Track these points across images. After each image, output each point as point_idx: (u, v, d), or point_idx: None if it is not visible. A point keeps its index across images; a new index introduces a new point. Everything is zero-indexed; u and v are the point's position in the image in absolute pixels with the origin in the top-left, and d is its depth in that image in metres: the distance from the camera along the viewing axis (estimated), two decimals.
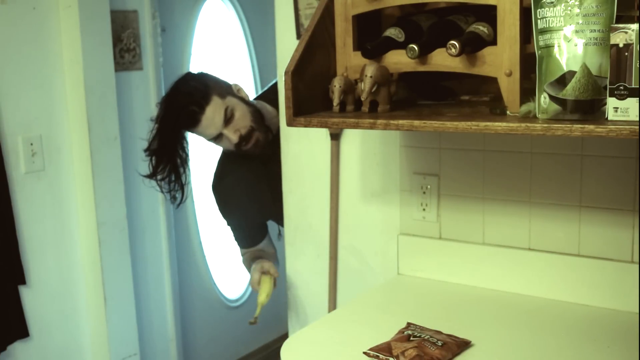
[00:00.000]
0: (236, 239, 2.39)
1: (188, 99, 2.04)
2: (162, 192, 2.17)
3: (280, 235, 2.43)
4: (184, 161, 2.13)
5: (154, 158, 2.09)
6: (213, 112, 2.04)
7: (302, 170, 2.02)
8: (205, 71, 2.20)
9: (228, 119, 2.07)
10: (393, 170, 1.86)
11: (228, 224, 2.37)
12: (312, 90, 1.43)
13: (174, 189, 2.14)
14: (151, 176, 2.11)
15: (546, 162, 1.62)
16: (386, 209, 1.88)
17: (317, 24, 1.44)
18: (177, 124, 2.06)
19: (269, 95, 2.24)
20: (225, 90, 2.11)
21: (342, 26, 1.45)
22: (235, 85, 2.18)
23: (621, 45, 1.07)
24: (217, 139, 2.11)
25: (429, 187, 1.80)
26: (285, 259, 2.11)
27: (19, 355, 2.50)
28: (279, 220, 2.30)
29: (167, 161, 2.09)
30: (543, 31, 1.15)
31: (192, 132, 2.11)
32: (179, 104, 2.05)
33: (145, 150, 2.10)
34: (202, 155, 3.13)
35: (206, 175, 2.45)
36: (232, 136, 2.07)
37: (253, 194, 2.28)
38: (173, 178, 2.12)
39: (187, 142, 2.15)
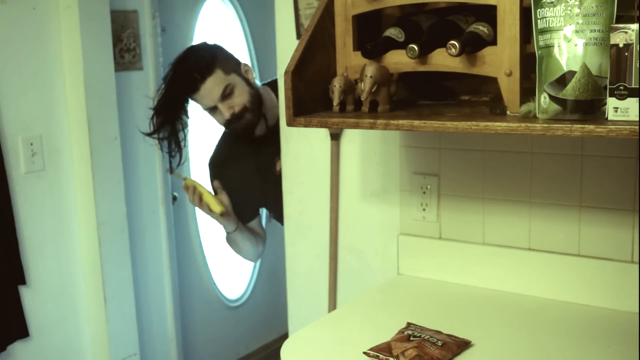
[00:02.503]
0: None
1: (193, 66, 2.11)
2: (162, 150, 2.25)
3: (270, 218, 2.48)
4: (185, 125, 2.21)
5: (156, 117, 2.17)
6: (212, 84, 2.11)
7: (302, 170, 2.02)
8: (220, 44, 2.25)
9: (226, 95, 2.13)
10: (393, 170, 1.85)
11: None
12: (312, 90, 1.43)
13: (173, 149, 2.20)
14: (151, 134, 2.19)
15: (546, 162, 1.62)
16: (386, 209, 1.88)
17: (317, 24, 1.44)
18: (180, 88, 2.13)
19: (277, 85, 2.26)
20: (232, 67, 2.17)
21: (342, 26, 1.45)
22: (245, 65, 2.24)
23: (621, 45, 1.07)
24: (212, 110, 2.18)
25: (429, 187, 1.79)
26: (285, 259, 2.11)
27: (19, 355, 2.50)
28: (271, 211, 2.37)
29: (169, 121, 2.16)
30: (543, 31, 1.15)
31: (191, 98, 2.17)
32: (183, 69, 2.12)
33: (153, 109, 2.17)
34: (202, 155, 3.13)
35: (206, 175, 2.46)
36: (225, 112, 2.14)
37: (244, 176, 2.33)
38: (172, 139, 2.19)
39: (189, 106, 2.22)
